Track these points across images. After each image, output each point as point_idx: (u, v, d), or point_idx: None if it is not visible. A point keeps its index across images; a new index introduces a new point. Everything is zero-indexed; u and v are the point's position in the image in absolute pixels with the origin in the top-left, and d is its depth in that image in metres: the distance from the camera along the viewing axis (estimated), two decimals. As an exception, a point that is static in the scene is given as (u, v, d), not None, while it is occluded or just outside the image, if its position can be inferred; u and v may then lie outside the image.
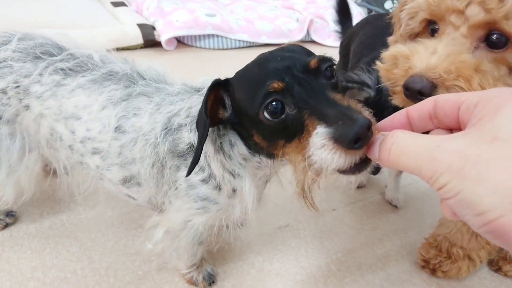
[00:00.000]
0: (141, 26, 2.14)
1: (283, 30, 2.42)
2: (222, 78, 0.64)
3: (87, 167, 0.83)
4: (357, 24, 1.44)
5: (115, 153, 0.78)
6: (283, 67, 0.57)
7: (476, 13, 0.60)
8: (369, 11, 3.03)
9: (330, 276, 0.98)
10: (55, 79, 0.80)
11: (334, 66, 0.59)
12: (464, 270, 1.01)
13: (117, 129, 0.77)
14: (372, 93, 0.76)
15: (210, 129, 0.65)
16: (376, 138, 0.44)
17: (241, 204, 0.76)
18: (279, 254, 1.02)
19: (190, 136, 0.72)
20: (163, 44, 2.15)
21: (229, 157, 0.71)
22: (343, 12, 1.53)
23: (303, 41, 2.49)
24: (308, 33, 2.49)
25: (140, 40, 2.12)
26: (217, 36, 2.27)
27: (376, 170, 0.95)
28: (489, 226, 0.31)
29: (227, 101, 0.65)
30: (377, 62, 0.74)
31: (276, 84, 0.55)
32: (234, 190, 0.75)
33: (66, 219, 1.07)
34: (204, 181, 0.75)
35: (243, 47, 2.35)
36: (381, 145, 0.41)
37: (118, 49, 1.97)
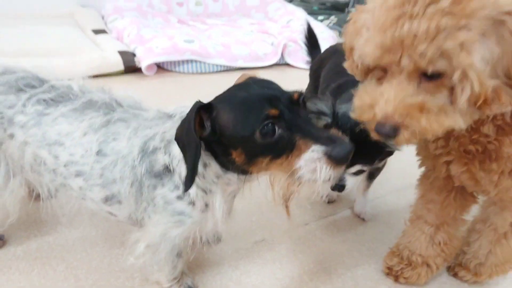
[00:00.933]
0: (122, 53, 2.22)
1: (258, 54, 2.53)
2: (204, 101, 0.73)
3: (70, 189, 0.89)
4: (327, 50, 1.55)
5: (97, 175, 0.85)
6: (273, 96, 0.70)
7: (408, 64, 0.71)
8: (340, 33, 3.19)
9: (303, 286, 1.06)
10: (38, 109, 0.87)
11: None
12: (423, 276, 1.10)
13: (98, 152, 0.84)
14: (329, 120, 0.86)
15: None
16: None
17: (213, 217, 0.85)
18: (256, 267, 1.10)
19: (165, 158, 0.81)
20: (143, 70, 2.23)
21: (202, 177, 0.79)
22: (311, 43, 1.68)
23: (277, 64, 2.60)
24: (282, 56, 2.61)
25: (121, 67, 2.20)
26: (196, 61, 2.36)
27: (341, 187, 1.04)
28: None
29: (206, 122, 0.73)
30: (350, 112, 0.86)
31: (274, 111, 0.68)
32: (206, 205, 0.84)
33: (52, 240, 1.12)
34: (179, 197, 0.82)
35: (220, 71, 2.45)
36: None
37: (99, 76, 2.07)
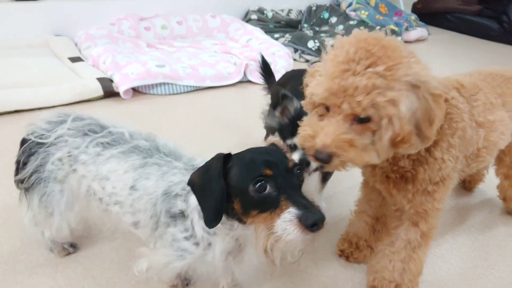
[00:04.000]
0: (100, 79, 2.42)
1: (223, 74, 2.80)
2: (225, 152, 0.88)
3: (110, 213, 1.08)
4: (287, 74, 1.83)
5: (128, 204, 1.02)
6: (273, 162, 0.82)
7: (346, 108, 0.88)
8: (295, 50, 3.50)
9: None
10: (97, 150, 1.05)
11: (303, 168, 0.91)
12: (368, 256, 1.39)
13: (132, 187, 1.01)
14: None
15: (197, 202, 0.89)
16: None
17: (213, 254, 0.98)
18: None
19: (182, 204, 0.96)
20: (121, 94, 2.44)
21: None
22: (266, 72, 1.96)
23: (241, 81, 2.87)
24: (245, 74, 2.88)
25: (100, 92, 2.40)
26: (168, 83, 2.61)
27: (308, 163, 1.27)
28: None
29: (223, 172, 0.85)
30: (295, 141, 1.03)
31: (268, 171, 0.80)
32: (209, 244, 0.98)
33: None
34: (186, 238, 0.97)
35: (191, 91, 2.70)
36: None
37: (81, 102, 2.27)
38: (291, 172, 0.84)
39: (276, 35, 3.63)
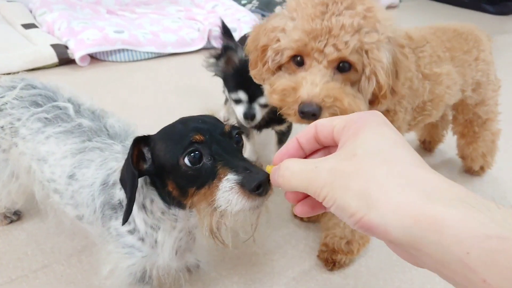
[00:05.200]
0: (54, 46, 2.32)
1: (186, 40, 2.72)
2: (143, 134, 0.75)
3: (52, 201, 0.99)
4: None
5: (68, 196, 0.92)
6: (204, 128, 0.69)
7: (332, 52, 0.80)
8: (263, 16, 3.43)
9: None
10: (38, 126, 0.95)
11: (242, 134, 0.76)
12: (321, 215, 1.33)
13: (71, 176, 0.89)
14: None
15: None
16: (273, 169, 0.49)
17: (162, 254, 0.86)
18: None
19: (120, 194, 0.84)
20: (77, 61, 2.35)
21: (151, 213, 0.82)
22: (226, 37, 1.90)
23: (205, 48, 2.80)
24: (209, 40, 2.81)
25: (55, 59, 2.30)
26: (127, 50, 2.51)
27: (252, 116, 1.28)
28: (359, 224, 0.36)
29: (147, 155, 0.75)
30: (268, 93, 0.92)
31: (198, 136, 0.67)
32: (156, 241, 0.86)
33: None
34: (130, 232, 0.86)
35: (151, 58, 2.62)
36: (277, 173, 0.46)
37: (35, 69, 2.18)
38: (227, 136, 0.71)
39: (244, 1, 3.54)
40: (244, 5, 3.47)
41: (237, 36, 2.54)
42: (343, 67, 0.83)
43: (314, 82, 0.80)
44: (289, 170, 0.44)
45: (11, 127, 0.98)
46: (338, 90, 0.82)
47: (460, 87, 1.24)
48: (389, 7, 4.39)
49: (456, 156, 1.75)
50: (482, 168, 1.68)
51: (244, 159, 0.68)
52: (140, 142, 0.73)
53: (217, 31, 2.82)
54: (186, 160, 0.67)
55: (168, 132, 0.74)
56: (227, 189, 0.63)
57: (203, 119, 0.73)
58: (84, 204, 0.89)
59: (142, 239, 0.86)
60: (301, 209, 0.48)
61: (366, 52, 0.81)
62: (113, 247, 0.89)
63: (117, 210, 0.86)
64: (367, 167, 0.37)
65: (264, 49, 0.93)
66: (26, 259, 1.18)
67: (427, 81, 1.10)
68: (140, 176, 0.73)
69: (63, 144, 0.91)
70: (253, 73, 0.99)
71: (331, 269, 1.21)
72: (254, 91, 1.27)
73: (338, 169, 0.39)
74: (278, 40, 0.89)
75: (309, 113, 0.81)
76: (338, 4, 0.81)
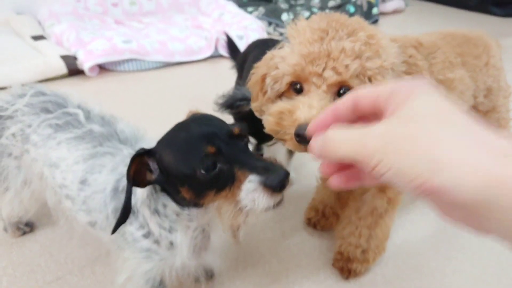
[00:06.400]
0: (64, 57, 2.34)
1: (193, 49, 2.72)
2: (143, 148, 0.75)
3: (64, 207, 0.98)
4: (250, 45, 1.78)
5: (80, 201, 0.91)
6: (211, 133, 0.70)
7: (331, 75, 0.77)
8: (269, 23, 3.44)
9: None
10: (48, 132, 0.95)
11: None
12: (334, 223, 1.37)
13: (83, 182, 0.89)
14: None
15: (145, 195, 0.80)
16: (313, 139, 0.47)
17: (180, 254, 0.87)
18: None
19: (132, 198, 0.81)
20: (86, 71, 2.36)
21: (164, 216, 0.82)
22: (231, 48, 1.97)
23: (212, 56, 2.80)
24: (216, 49, 2.81)
25: (64, 70, 2.32)
26: (135, 59, 2.53)
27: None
28: (421, 188, 0.35)
29: (153, 166, 0.75)
30: (264, 117, 0.89)
31: (211, 148, 0.68)
32: (171, 243, 0.86)
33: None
34: (145, 236, 0.86)
35: (159, 67, 2.62)
36: (323, 142, 0.44)
37: (44, 80, 2.19)
38: (235, 138, 0.73)
39: (250, 9, 3.56)
40: (250, 12, 3.48)
41: (244, 44, 2.55)
42: (344, 93, 0.79)
43: (311, 105, 0.77)
44: (335, 140, 0.42)
45: (22, 134, 0.98)
46: None
47: (472, 92, 1.22)
48: (395, 11, 4.39)
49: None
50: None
51: (257, 157, 0.70)
52: (143, 155, 0.74)
53: (224, 39, 2.84)
54: (203, 171, 0.68)
55: (173, 142, 0.74)
56: (251, 190, 0.66)
57: (203, 121, 0.74)
58: (96, 210, 0.89)
59: (157, 242, 0.86)
60: (338, 181, 0.48)
61: (369, 78, 0.77)
62: (130, 253, 0.89)
63: (130, 216, 0.84)
64: (430, 130, 0.36)
65: (264, 78, 0.91)
66: (39, 271, 1.17)
67: (441, 87, 1.09)
68: (148, 185, 0.77)
69: (74, 150, 0.92)
70: (253, 106, 0.96)
71: (347, 278, 1.20)
72: (263, 137, 1.37)
73: (393, 134, 0.37)
74: (277, 68, 0.86)
75: (304, 136, 0.76)
76: (339, 30, 0.78)
